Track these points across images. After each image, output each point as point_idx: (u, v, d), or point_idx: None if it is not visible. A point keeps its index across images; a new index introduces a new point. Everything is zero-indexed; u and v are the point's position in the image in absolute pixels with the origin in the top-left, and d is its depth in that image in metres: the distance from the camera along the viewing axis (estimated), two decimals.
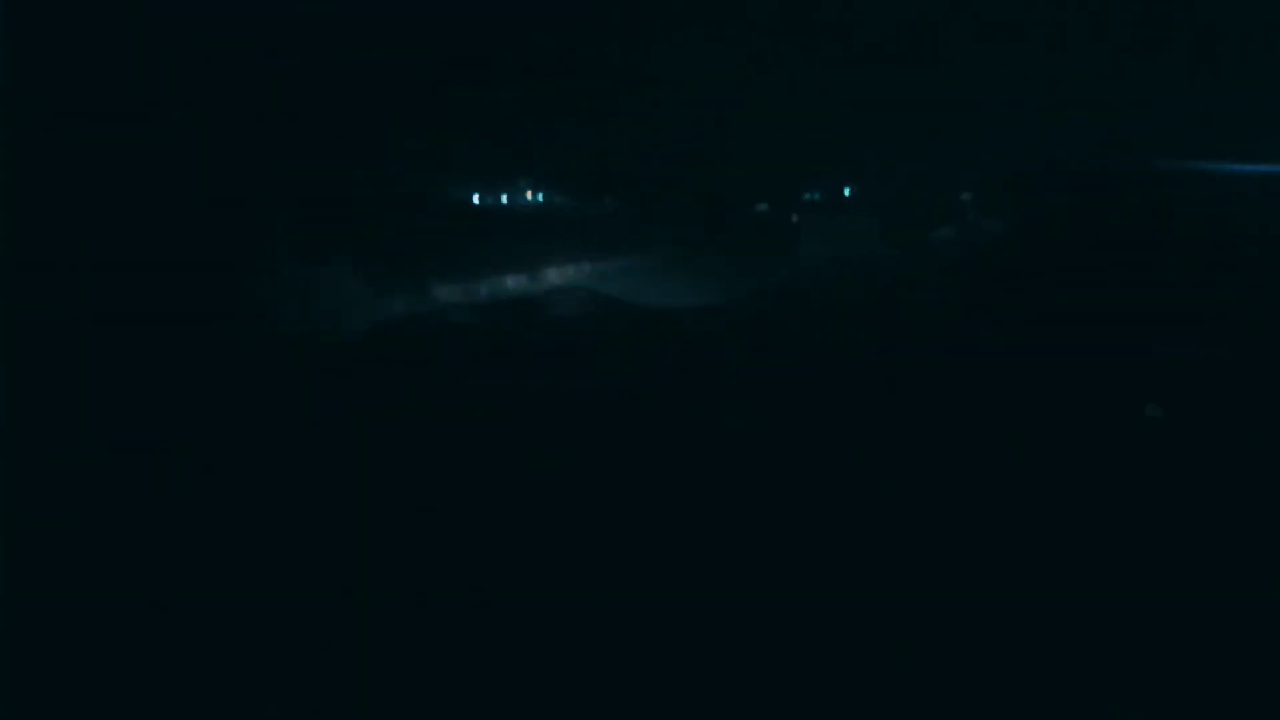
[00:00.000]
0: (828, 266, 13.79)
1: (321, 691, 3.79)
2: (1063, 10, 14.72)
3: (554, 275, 16.02)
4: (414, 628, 4.25)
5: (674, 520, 5.62)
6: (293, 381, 8.25)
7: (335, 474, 6.26)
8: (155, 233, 9.90)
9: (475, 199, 24.27)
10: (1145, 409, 7.63)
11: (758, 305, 11.82)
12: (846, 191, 19.28)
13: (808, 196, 20.15)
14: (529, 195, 25.56)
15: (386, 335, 10.53)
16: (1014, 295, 11.21)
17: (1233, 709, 3.58)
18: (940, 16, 16.56)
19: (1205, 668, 3.81)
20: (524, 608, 4.46)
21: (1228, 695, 3.63)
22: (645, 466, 6.59)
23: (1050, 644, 4.10)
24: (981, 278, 12.31)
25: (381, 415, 7.62)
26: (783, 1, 17.12)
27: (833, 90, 19.05)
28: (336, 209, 15.57)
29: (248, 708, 3.70)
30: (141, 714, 3.60)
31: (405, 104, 18.19)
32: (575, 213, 23.91)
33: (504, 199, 25.30)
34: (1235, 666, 3.82)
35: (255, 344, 9.16)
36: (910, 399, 8.31)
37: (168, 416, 6.86)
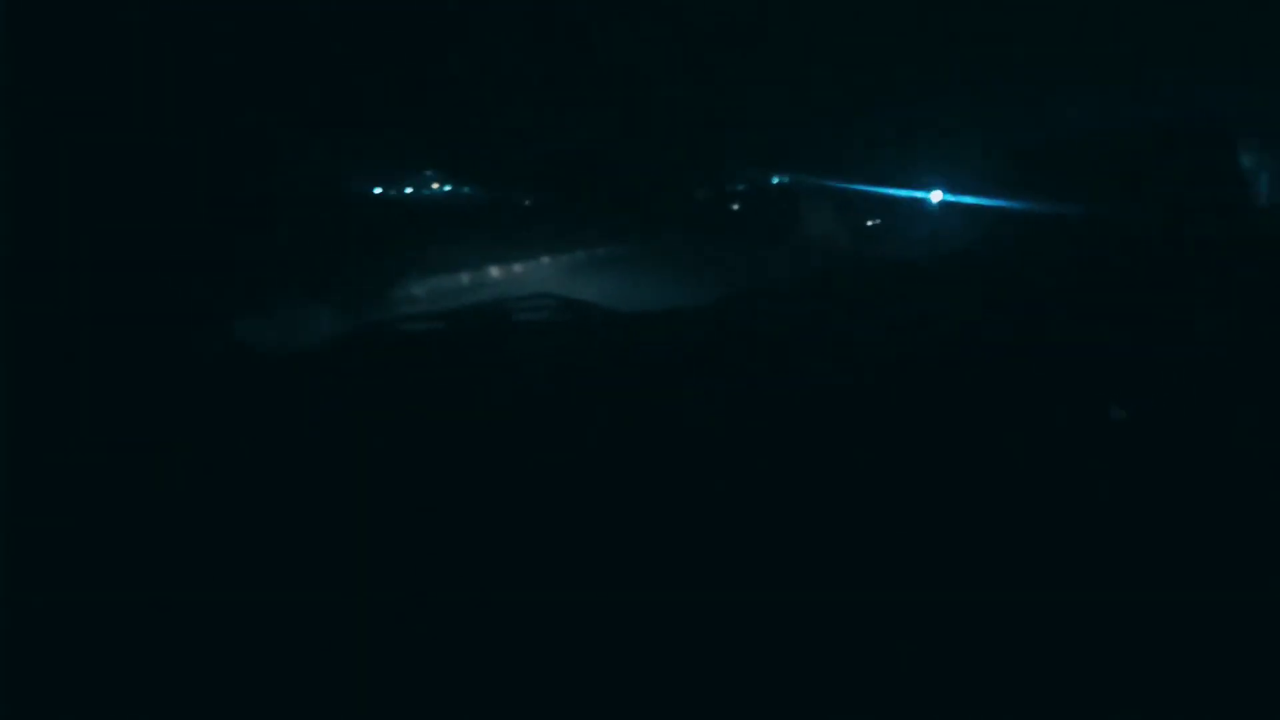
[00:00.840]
0: (799, 268, 13.28)
1: (312, 691, 3.72)
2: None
3: (515, 275, 14.93)
4: (393, 632, 4.16)
5: (656, 529, 5.45)
6: (266, 393, 7.98)
7: (321, 481, 6.08)
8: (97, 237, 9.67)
9: (377, 191, 22.43)
10: (1110, 411, 7.40)
11: (734, 308, 11.22)
12: (775, 180, 18.85)
13: (738, 187, 19.60)
14: (436, 186, 23.91)
15: (354, 348, 9.75)
16: (984, 294, 11.11)
17: (1223, 707, 3.54)
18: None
19: (1190, 664, 3.80)
20: (503, 616, 4.36)
21: (1217, 693, 3.60)
22: (625, 479, 6.39)
23: (1031, 642, 4.06)
24: (949, 278, 12.15)
25: (361, 431, 7.31)
26: None
27: (758, 79, 18.52)
28: (263, 210, 14.29)
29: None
30: (141, 714, 3.52)
31: (299, 99, 16.73)
32: (491, 204, 22.52)
33: (408, 190, 23.57)
34: (1222, 662, 3.80)
35: (226, 354, 8.95)
36: (889, 401, 7.98)
37: (150, 421, 6.74)
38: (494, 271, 15.02)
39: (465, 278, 14.46)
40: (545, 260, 15.65)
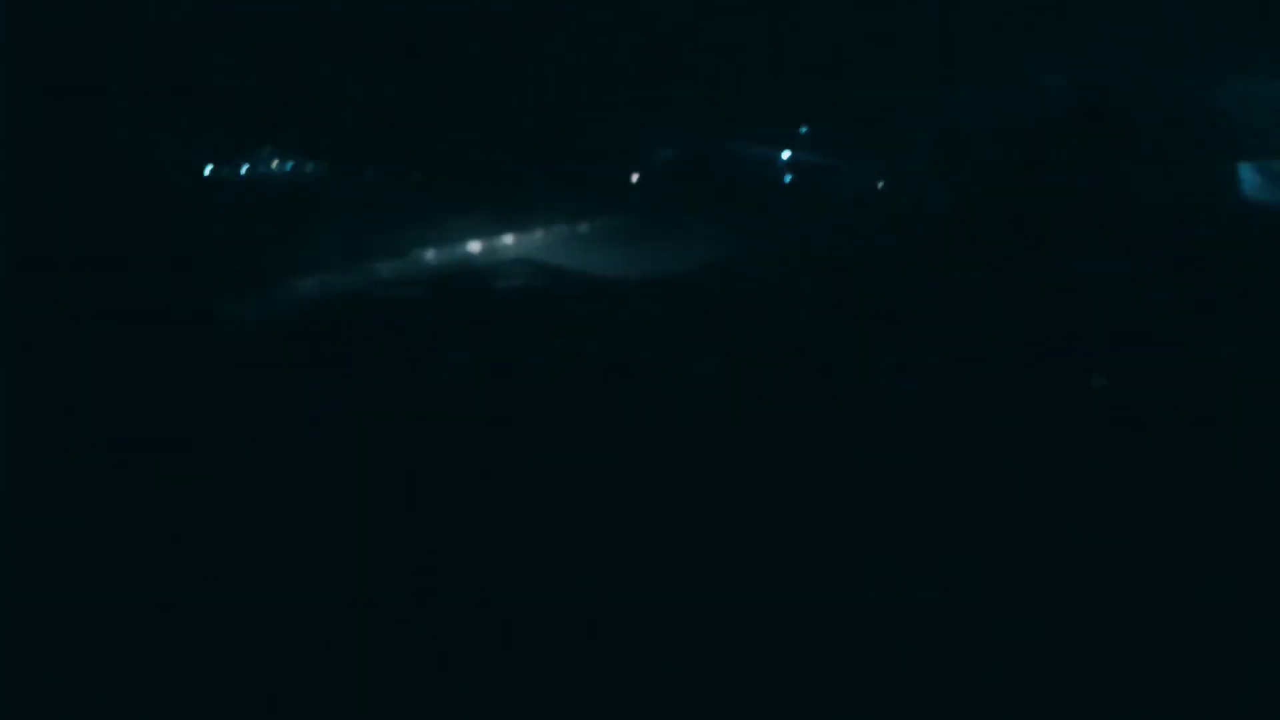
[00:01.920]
0: (774, 240, 13.32)
1: (302, 689, 3.73)
2: None
3: (493, 248, 13.65)
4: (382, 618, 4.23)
5: (634, 499, 5.51)
6: (244, 367, 7.91)
7: (303, 457, 6.06)
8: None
9: (207, 171, 19.59)
10: (1091, 379, 7.41)
11: (711, 278, 11.45)
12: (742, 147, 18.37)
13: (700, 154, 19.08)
14: (275, 165, 21.26)
15: (331, 315, 9.72)
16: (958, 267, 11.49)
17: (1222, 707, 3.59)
18: None
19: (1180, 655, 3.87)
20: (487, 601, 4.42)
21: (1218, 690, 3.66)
22: (604, 449, 6.39)
23: (1033, 639, 4.15)
24: (929, 245, 12.61)
25: (339, 401, 7.24)
26: None
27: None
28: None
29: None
30: (141, 714, 3.52)
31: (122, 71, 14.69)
32: (341, 182, 20.48)
33: (243, 171, 20.73)
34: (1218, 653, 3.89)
35: (202, 328, 8.80)
36: (871, 376, 8.13)
37: (136, 415, 6.61)
38: (473, 244, 14.08)
39: (442, 249, 13.33)
40: (524, 233, 14.62)
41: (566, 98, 18.51)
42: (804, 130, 16.93)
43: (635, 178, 19.09)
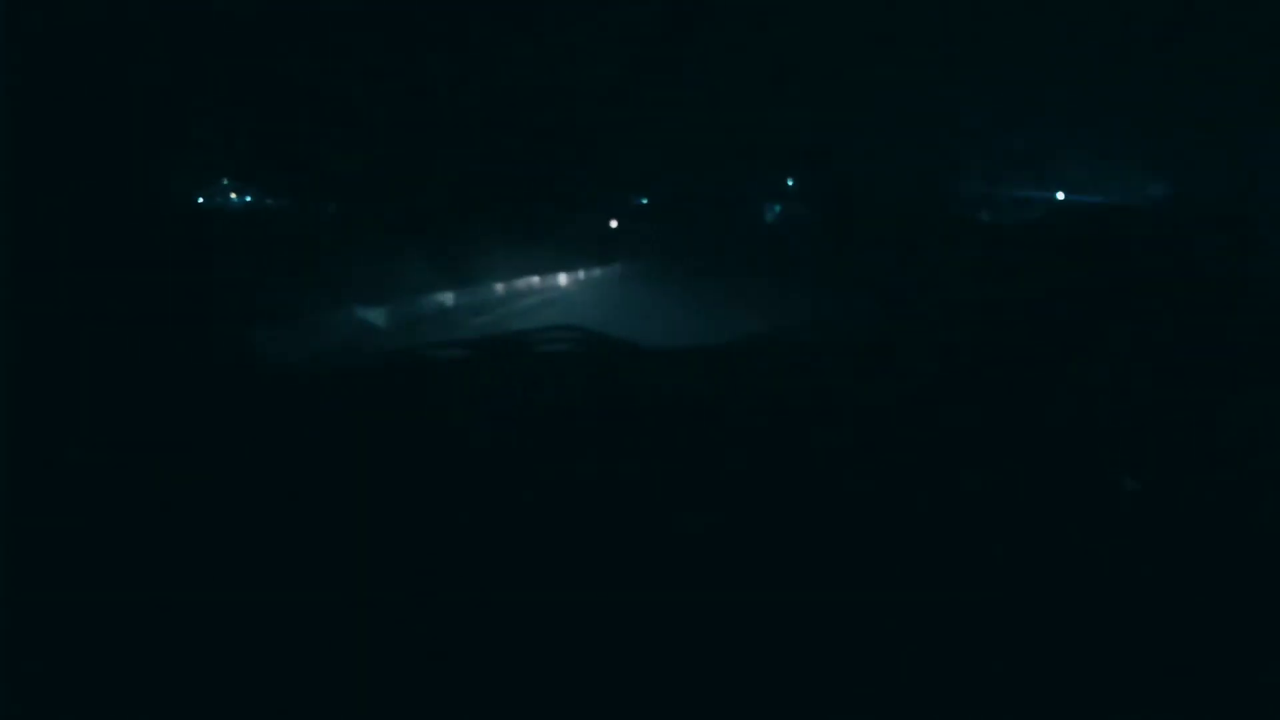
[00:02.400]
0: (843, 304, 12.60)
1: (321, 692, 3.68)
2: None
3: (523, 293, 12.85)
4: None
5: (670, 571, 5.55)
6: (273, 411, 7.19)
7: (326, 500, 5.70)
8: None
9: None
10: (1123, 482, 7.49)
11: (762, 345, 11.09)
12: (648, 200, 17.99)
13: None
14: (233, 196, 20.62)
15: (363, 374, 8.73)
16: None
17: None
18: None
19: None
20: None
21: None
22: (640, 518, 6.45)
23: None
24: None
25: (368, 457, 6.77)
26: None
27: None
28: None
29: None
30: (141, 714, 3.14)
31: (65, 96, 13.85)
32: (305, 215, 19.77)
33: (199, 201, 20.01)
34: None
35: (233, 365, 7.94)
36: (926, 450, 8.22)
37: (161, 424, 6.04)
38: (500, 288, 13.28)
39: (415, 296, 12.66)
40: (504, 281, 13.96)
41: (541, 146, 18.06)
42: (790, 183, 16.55)
43: (614, 224, 18.63)
